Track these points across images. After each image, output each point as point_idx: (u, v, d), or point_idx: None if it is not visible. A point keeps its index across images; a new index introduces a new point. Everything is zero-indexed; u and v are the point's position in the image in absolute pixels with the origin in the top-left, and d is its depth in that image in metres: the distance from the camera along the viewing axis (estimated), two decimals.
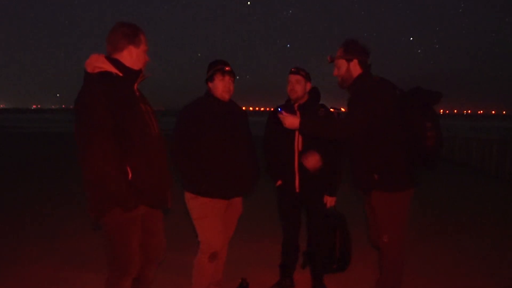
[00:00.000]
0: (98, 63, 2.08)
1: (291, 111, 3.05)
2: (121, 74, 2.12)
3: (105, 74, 2.07)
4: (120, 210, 2.03)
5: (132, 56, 2.17)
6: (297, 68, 3.02)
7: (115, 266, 2.18)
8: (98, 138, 1.94)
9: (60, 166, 10.38)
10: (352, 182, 2.69)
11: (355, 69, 2.57)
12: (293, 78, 3.01)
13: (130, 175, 2.03)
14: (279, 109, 2.69)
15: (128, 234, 2.13)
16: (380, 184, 2.49)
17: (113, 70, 2.10)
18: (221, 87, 2.75)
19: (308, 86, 3.05)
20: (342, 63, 2.58)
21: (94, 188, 2.01)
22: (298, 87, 2.99)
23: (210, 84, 2.78)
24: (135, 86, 2.21)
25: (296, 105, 3.06)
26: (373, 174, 2.49)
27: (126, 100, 2.08)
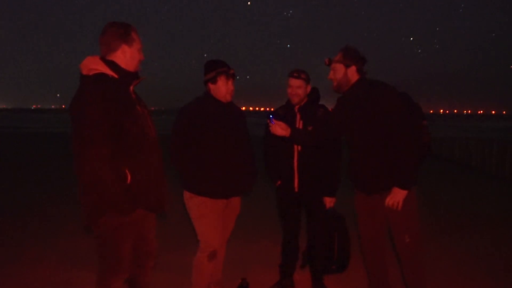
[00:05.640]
0: (93, 65, 2.03)
1: (292, 113, 3.05)
2: (116, 76, 2.07)
3: (101, 76, 2.01)
4: (115, 213, 1.99)
5: (126, 56, 2.11)
6: (298, 72, 2.99)
7: (104, 267, 2.13)
8: (94, 142, 1.89)
9: (60, 166, 10.38)
10: (362, 185, 2.67)
11: (353, 75, 2.61)
12: (295, 83, 2.98)
13: (129, 179, 2.00)
14: (270, 116, 2.65)
15: (121, 238, 2.08)
16: (398, 182, 2.49)
17: (109, 72, 2.05)
18: (225, 90, 2.74)
19: (309, 88, 3.05)
20: (340, 68, 2.61)
21: (89, 193, 1.95)
22: (300, 91, 2.98)
23: (211, 86, 2.75)
24: (131, 88, 2.16)
25: (296, 107, 3.06)
26: (391, 173, 2.50)
27: (123, 103, 2.03)
